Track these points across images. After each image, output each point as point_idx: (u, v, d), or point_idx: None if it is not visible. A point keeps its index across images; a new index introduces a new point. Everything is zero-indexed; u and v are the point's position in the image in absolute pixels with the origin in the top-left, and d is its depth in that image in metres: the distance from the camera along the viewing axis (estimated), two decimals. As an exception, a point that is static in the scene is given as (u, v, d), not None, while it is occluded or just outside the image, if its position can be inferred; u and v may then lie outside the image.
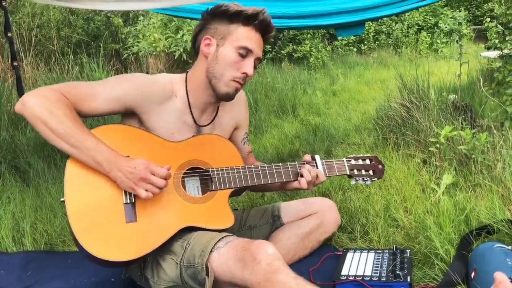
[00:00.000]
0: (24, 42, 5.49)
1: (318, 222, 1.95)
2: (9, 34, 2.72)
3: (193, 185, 1.66)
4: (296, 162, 1.78)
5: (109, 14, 6.92)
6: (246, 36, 1.65)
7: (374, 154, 1.95)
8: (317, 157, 1.83)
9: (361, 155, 1.93)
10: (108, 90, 1.57)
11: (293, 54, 8.73)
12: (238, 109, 1.89)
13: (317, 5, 3.14)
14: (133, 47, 7.21)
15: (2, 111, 3.77)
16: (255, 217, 1.99)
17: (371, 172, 1.89)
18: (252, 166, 1.72)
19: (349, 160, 1.88)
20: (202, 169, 1.65)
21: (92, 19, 6.87)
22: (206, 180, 1.67)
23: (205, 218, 1.59)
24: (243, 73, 1.66)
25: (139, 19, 7.60)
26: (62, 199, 1.45)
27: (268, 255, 1.31)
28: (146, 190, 1.44)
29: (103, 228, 1.44)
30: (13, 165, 3.10)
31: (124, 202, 1.49)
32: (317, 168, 1.80)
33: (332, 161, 1.86)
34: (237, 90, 1.70)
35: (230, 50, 1.64)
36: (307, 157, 1.82)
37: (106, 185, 1.48)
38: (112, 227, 1.45)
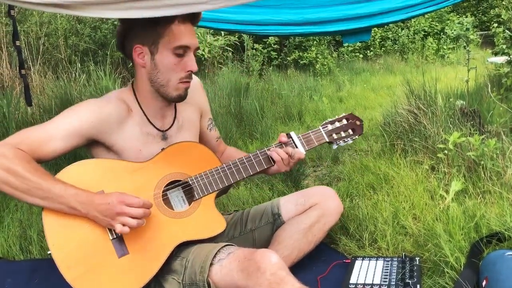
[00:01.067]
0: (32, 50, 5.53)
1: (319, 213, 1.88)
2: (17, 43, 2.74)
3: (178, 198, 1.63)
4: (271, 145, 1.74)
5: (116, 22, 6.95)
6: (177, 34, 1.56)
7: (349, 113, 1.90)
8: (292, 133, 1.78)
9: (336, 117, 1.87)
10: (62, 128, 1.50)
11: (299, 61, 8.73)
12: (196, 96, 1.82)
13: (323, 12, 3.14)
14: (139, 55, 7.23)
15: (10, 119, 3.79)
16: (255, 218, 1.95)
17: (350, 131, 1.85)
18: (230, 162, 1.67)
19: (325, 126, 1.83)
20: (181, 180, 1.61)
21: (99, 27, 6.91)
22: (190, 189, 1.63)
23: (197, 229, 1.56)
24: (188, 71, 1.61)
25: (146, 27, 7.64)
26: (49, 252, 1.41)
27: (272, 264, 1.30)
28: (124, 225, 1.40)
29: (97, 271, 1.42)
30: (21, 173, 3.11)
31: (111, 238, 1.46)
32: (295, 145, 1.75)
33: (309, 133, 1.80)
34: (187, 89, 1.65)
35: (167, 54, 1.57)
36: (283, 138, 1.76)
37: (88, 226, 1.45)
38: (106, 267, 1.43)
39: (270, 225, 1.93)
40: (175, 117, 1.75)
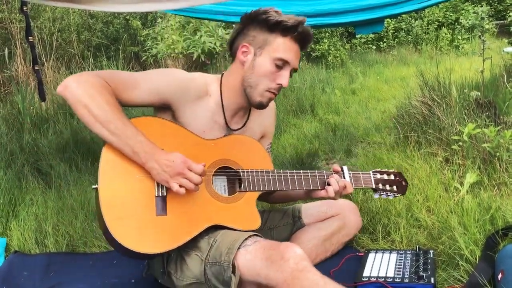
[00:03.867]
0: (46, 46, 5.57)
1: (340, 224, 1.93)
2: (31, 39, 2.76)
3: (220, 184, 1.67)
4: (324, 171, 1.78)
5: (127, 17, 7.00)
6: (284, 47, 1.64)
7: (398, 171, 1.93)
8: (345, 167, 1.82)
9: (386, 170, 1.91)
10: (149, 82, 1.58)
11: (311, 53, 8.68)
12: (267, 117, 1.89)
13: (335, 3, 3.11)
14: (152, 49, 7.27)
15: (25, 114, 3.84)
16: (276, 217, 1.98)
17: (394, 187, 1.88)
18: (281, 171, 1.71)
19: (375, 174, 1.87)
20: (233, 169, 1.65)
21: (111, 22, 6.96)
22: (233, 181, 1.67)
23: (233, 218, 1.59)
24: (278, 84, 1.66)
25: (157, 21, 7.67)
26: (94, 186, 1.45)
27: (296, 254, 1.33)
28: (180, 186, 1.44)
29: (133, 219, 1.45)
30: (36, 167, 3.15)
31: (156, 195, 1.49)
32: (345, 178, 1.78)
33: (359, 173, 1.84)
34: (270, 100, 1.71)
35: (267, 61, 1.64)
36: (336, 167, 1.80)
37: (140, 176, 1.48)
38: (143, 219, 1.46)
39: (290, 226, 1.96)
40: (244, 124, 1.81)
